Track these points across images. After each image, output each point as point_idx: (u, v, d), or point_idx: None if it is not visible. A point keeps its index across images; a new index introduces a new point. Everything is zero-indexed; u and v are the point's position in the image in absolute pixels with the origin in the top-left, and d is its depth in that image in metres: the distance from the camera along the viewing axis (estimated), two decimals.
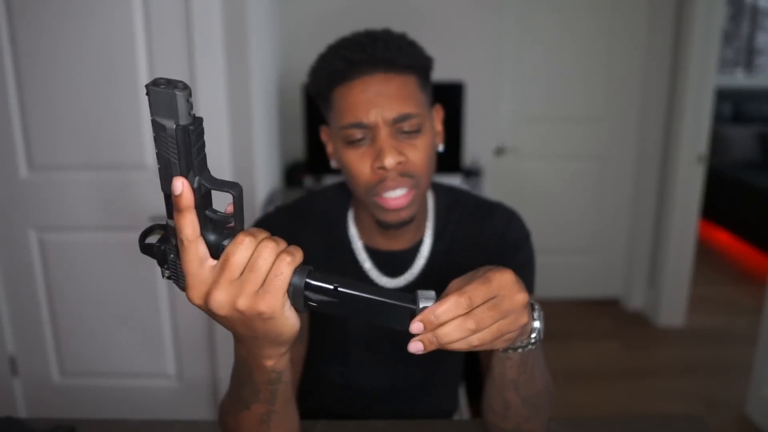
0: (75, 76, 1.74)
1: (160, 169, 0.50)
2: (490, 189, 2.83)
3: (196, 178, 0.50)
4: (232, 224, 0.53)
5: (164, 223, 0.57)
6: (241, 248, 0.51)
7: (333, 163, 0.91)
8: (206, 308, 0.53)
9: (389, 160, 0.81)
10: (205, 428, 0.95)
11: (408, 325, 0.54)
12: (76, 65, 1.74)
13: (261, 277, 0.52)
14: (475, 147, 2.81)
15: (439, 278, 0.96)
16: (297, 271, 0.53)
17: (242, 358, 0.63)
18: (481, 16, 2.73)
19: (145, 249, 0.57)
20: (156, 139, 0.49)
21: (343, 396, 1.04)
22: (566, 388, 2.42)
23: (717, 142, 4.40)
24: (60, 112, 1.77)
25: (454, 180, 2.47)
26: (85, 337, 1.96)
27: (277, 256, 0.52)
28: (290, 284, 0.53)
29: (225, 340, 1.94)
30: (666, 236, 2.94)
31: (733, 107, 4.96)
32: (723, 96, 4.64)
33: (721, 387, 2.47)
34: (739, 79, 5.38)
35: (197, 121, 0.49)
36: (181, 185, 0.49)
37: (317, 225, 0.98)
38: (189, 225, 0.50)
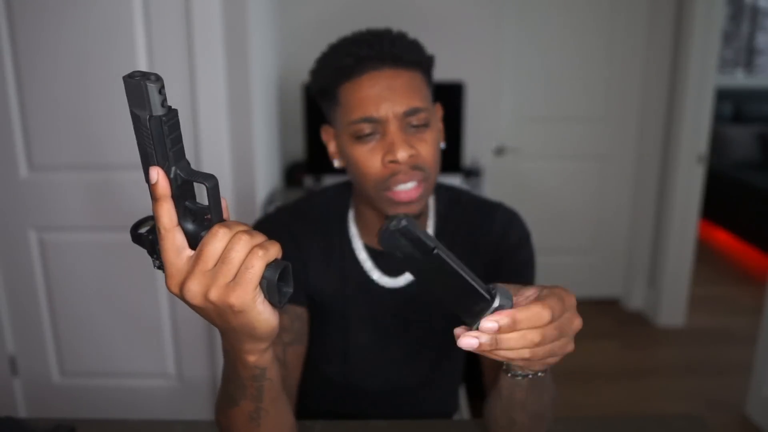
0: (75, 76, 1.74)
1: (141, 161, 0.52)
2: (490, 189, 2.82)
3: (173, 168, 0.51)
4: (208, 216, 0.54)
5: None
6: (215, 239, 0.52)
7: (336, 163, 0.91)
8: (181, 297, 0.54)
9: (402, 153, 0.81)
10: (205, 428, 0.95)
11: (477, 320, 0.51)
12: (76, 65, 1.74)
13: (233, 269, 0.52)
14: (475, 147, 2.81)
15: None
16: (272, 265, 0.53)
17: (226, 352, 0.63)
18: (481, 16, 2.72)
19: (136, 239, 0.58)
20: (135, 131, 0.50)
21: (343, 396, 1.04)
22: (566, 388, 2.42)
23: (717, 142, 4.40)
24: (60, 112, 1.77)
25: (454, 180, 2.47)
26: (85, 337, 1.96)
27: (251, 249, 0.52)
28: (264, 278, 0.53)
29: None
30: (666, 236, 2.94)
31: (733, 107, 4.96)
32: (723, 96, 4.64)
33: (721, 387, 2.47)
34: (739, 79, 5.38)
35: (171, 113, 0.49)
36: (156, 174, 0.50)
37: (317, 225, 0.98)
38: (165, 214, 0.51)
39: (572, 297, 0.56)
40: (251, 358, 0.61)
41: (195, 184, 0.54)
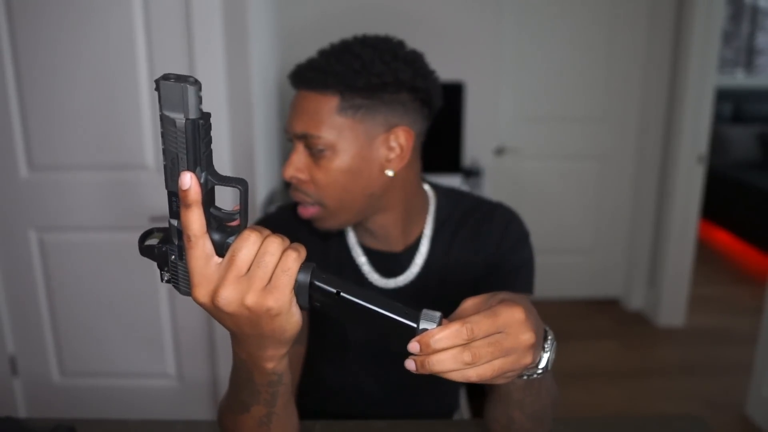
0: (75, 76, 1.74)
1: (165, 166, 0.50)
2: (490, 189, 2.82)
3: (203, 174, 0.51)
4: (236, 221, 0.53)
5: (163, 226, 0.57)
6: (248, 244, 0.51)
7: None
8: (212, 306, 0.53)
9: (287, 171, 0.85)
10: (205, 428, 0.95)
11: (405, 344, 0.53)
12: (76, 65, 1.74)
13: (268, 273, 0.52)
14: (475, 147, 2.80)
15: (437, 279, 0.96)
16: (301, 268, 0.53)
17: (241, 360, 0.63)
18: (481, 16, 2.72)
19: (145, 251, 0.56)
20: (164, 135, 0.49)
21: (342, 396, 1.04)
22: (566, 388, 2.41)
23: (717, 142, 4.40)
24: (60, 112, 1.77)
25: (454, 180, 2.47)
26: (85, 337, 1.96)
27: (283, 252, 0.52)
28: (295, 281, 0.53)
29: (225, 340, 1.94)
30: (666, 236, 2.94)
31: (733, 107, 4.96)
32: (723, 96, 4.63)
33: (721, 387, 2.47)
34: (739, 79, 5.38)
35: (206, 116, 0.49)
36: (189, 180, 0.49)
37: (312, 228, 0.98)
38: (196, 221, 0.51)
39: (515, 312, 0.54)
40: (270, 365, 0.61)
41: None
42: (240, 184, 0.51)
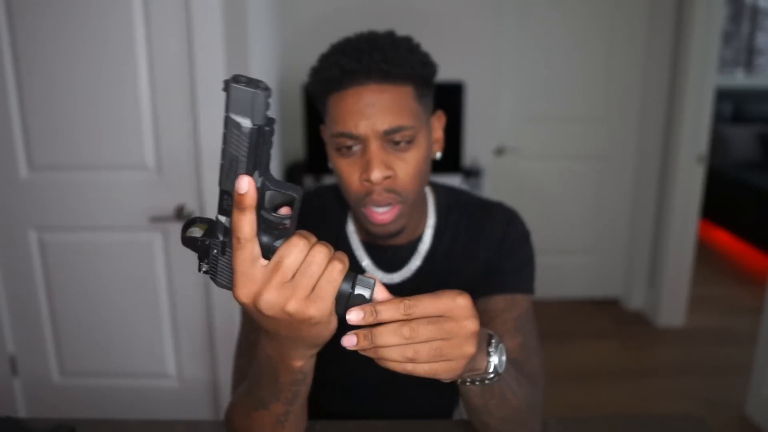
0: (75, 76, 1.74)
1: (222, 165, 0.50)
2: (490, 189, 2.83)
3: (261, 179, 0.51)
4: (286, 225, 0.53)
5: (207, 217, 0.57)
6: (295, 251, 0.52)
7: (330, 163, 0.91)
8: (254, 308, 0.54)
9: (376, 174, 0.80)
10: (205, 428, 0.95)
11: (344, 311, 0.55)
12: (76, 65, 1.74)
13: (313, 282, 0.52)
14: (475, 147, 2.81)
15: (437, 277, 0.96)
16: (345, 277, 0.55)
17: (268, 357, 0.63)
18: (481, 16, 2.73)
19: (188, 242, 0.56)
20: (226, 136, 0.49)
21: (341, 395, 1.03)
22: (566, 388, 2.42)
23: (717, 142, 4.40)
24: (60, 112, 1.77)
25: (454, 180, 2.47)
26: (85, 337, 1.96)
27: (329, 261, 0.53)
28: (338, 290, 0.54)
29: (225, 340, 1.94)
30: (666, 236, 2.94)
31: (733, 107, 4.96)
32: (723, 96, 4.64)
33: (721, 387, 2.47)
34: (739, 79, 5.39)
35: (271, 122, 0.49)
36: (246, 184, 0.49)
37: (316, 220, 0.99)
38: (248, 224, 0.51)
39: (458, 298, 0.55)
40: (298, 363, 0.62)
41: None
42: (295, 191, 0.52)
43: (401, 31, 0.88)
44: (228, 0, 1.75)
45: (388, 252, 0.96)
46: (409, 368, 0.55)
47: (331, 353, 1.00)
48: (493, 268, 0.94)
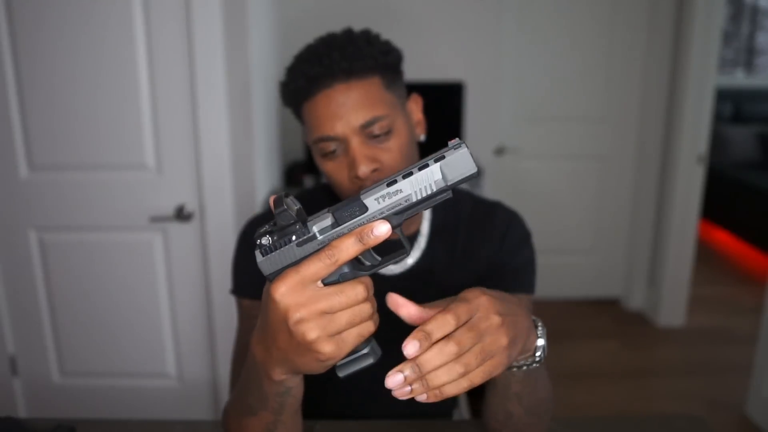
0: (75, 76, 1.74)
1: (389, 195, 0.53)
2: (490, 189, 2.82)
3: (398, 229, 0.55)
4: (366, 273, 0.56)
5: (299, 204, 0.57)
6: (354, 294, 0.53)
7: (318, 168, 0.92)
8: (278, 309, 0.53)
9: (362, 169, 0.81)
10: (205, 428, 0.95)
11: (346, 363, 0.58)
12: (76, 65, 1.74)
13: (348, 326, 0.53)
14: (475, 147, 2.81)
15: (435, 275, 0.95)
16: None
17: (255, 362, 0.62)
18: (481, 16, 2.72)
19: (278, 203, 0.55)
20: (418, 178, 0.52)
21: (341, 395, 1.03)
22: (566, 388, 2.42)
23: (717, 142, 4.40)
24: (60, 112, 1.77)
25: None
26: (85, 337, 1.96)
27: (369, 316, 0.54)
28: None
29: (225, 340, 1.94)
30: (666, 236, 2.94)
31: (733, 107, 4.96)
32: (723, 96, 4.64)
33: (721, 387, 2.47)
34: (739, 79, 5.38)
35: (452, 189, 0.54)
36: (386, 231, 0.52)
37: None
38: (352, 254, 0.53)
39: (481, 296, 0.56)
40: (280, 377, 0.61)
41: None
42: (403, 252, 0.57)
43: (401, 31, 0.89)
44: (228, 1, 1.75)
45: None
46: (466, 384, 0.53)
47: None
48: (495, 269, 0.94)
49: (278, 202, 0.55)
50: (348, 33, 0.86)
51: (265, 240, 0.55)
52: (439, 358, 0.52)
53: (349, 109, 0.81)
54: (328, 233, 0.54)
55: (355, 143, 0.82)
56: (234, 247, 0.98)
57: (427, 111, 0.96)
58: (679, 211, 2.87)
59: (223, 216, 1.86)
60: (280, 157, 2.55)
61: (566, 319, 3.07)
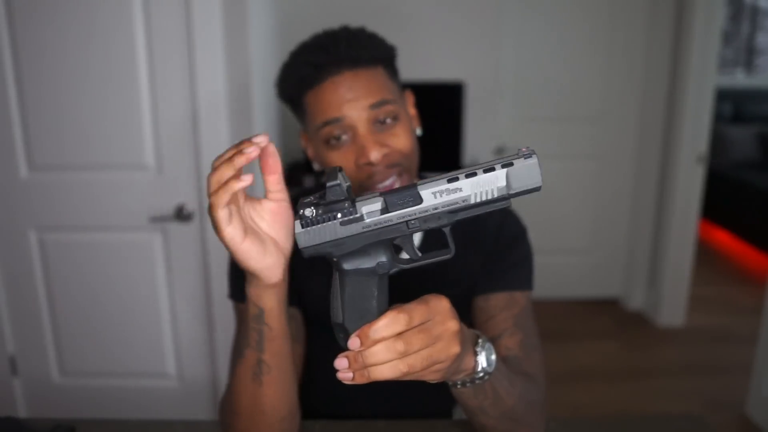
0: (75, 76, 1.74)
1: (453, 199, 0.52)
2: None
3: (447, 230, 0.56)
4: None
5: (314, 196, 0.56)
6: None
7: (316, 166, 0.92)
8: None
9: (374, 154, 0.81)
10: (205, 428, 0.95)
11: (345, 342, 0.55)
12: (76, 65, 1.74)
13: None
14: (475, 147, 2.81)
15: (429, 274, 0.95)
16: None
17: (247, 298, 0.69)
18: (480, 16, 2.72)
19: (331, 177, 0.54)
20: (488, 203, 0.52)
21: (340, 395, 1.03)
22: (566, 388, 2.42)
23: (717, 142, 4.40)
24: (60, 112, 1.77)
25: None
26: (85, 337, 1.96)
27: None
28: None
29: (225, 340, 1.94)
30: (666, 236, 2.94)
31: (733, 107, 4.96)
32: (723, 96, 4.64)
33: (721, 387, 2.47)
34: (739, 79, 5.38)
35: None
36: (264, 139, 0.60)
37: None
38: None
39: (442, 300, 0.56)
40: (254, 292, 0.66)
41: None
42: (446, 252, 0.58)
43: (401, 31, 0.90)
44: (227, 0, 1.75)
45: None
46: (402, 374, 0.54)
47: (330, 355, 1.01)
48: (491, 266, 0.94)
49: (332, 174, 0.53)
50: (346, 29, 0.87)
51: (309, 212, 0.53)
52: (385, 354, 0.52)
53: (357, 93, 0.82)
54: (376, 218, 0.52)
55: (364, 130, 0.82)
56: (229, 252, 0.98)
57: (427, 111, 0.97)
58: (679, 211, 2.87)
59: None
60: (280, 157, 2.55)
61: (566, 319, 3.07)
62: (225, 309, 1.91)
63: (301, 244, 0.54)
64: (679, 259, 2.93)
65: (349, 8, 2.64)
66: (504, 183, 0.51)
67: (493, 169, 0.51)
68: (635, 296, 3.18)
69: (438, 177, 0.52)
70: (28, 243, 1.88)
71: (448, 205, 0.52)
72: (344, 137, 0.83)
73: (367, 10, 2.66)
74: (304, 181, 2.48)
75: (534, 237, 0.99)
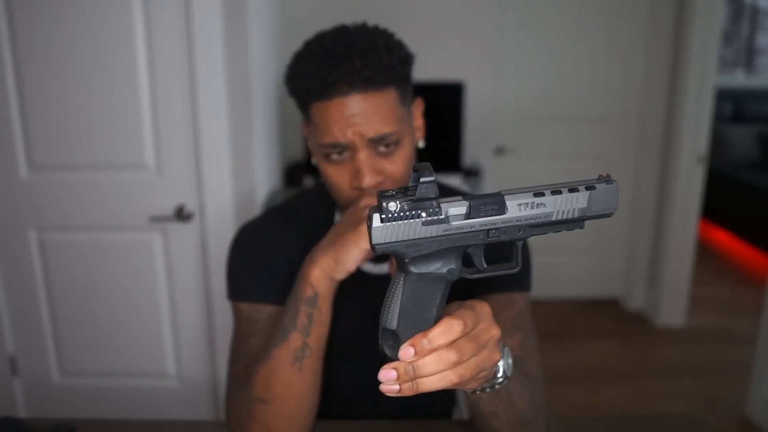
0: (75, 76, 1.74)
1: (536, 213, 0.52)
2: (490, 189, 2.82)
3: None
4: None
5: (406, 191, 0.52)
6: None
7: (314, 160, 0.91)
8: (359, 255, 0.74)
9: (367, 181, 0.80)
10: (205, 428, 0.95)
11: (395, 352, 0.52)
12: (76, 65, 1.74)
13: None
14: (475, 147, 2.81)
15: None
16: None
17: (301, 274, 0.75)
18: (480, 15, 2.73)
19: (425, 169, 0.51)
20: (562, 204, 0.52)
21: (341, 395, 1.03)
22: (566, 388, 2.42)
23: (717, 142, 4.40)
24: (60, 112, 1.77)
25: (454, 180, 2.47)
26: (85, 337, 1.96)
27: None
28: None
29: (225, 340, 1.94)
30: (666, 236, 2.94)
31: (733, 107, 4.96)
32: (723, 96, 4.64)
33: (721, 387, 2.47)
34: (739, 79, 5.39)
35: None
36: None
37: (303, 225, 0.97)
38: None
39: (486, 306, 0.55)
40: (316, 272, 0.74)
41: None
42: (512, 266, 0.57)
43: (401, 31, 0.88)
44: (228, 0, 1.75)
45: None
46: (452, 384, 0.52)
47: (331, 355, 1.01)
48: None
49: (427, 170, 0.50)
50: (365, 33, 0.82)
51: (393, 206, 0.49)
52: (437, 365, 0.50)
53: (362, 119, 0.78)
54: (459, 222, 0.50)
55: (363, 155, 0.80)
56: (228, 253, 0.98)
57: (427, 111, 0.96)
58: (679, 211, 2.87)
59: (222, 216, 1.86)
60: (280, 157, 2.55)
61: (566, 319, 3.07)
62: (225, 309, 1.91)
63: (376, 239, 0.50)
64: (679, 259, 2.93)
65: (349, 9, 2.64)
66: (585, 204, 0.52)
67: (577, 190, 0.52)
68: (635, 296, 3.18)
69: (521, 189, 0.52)
70: (29, 243, 1.88)
71: (530, 219, 0.51)
72: (343, 154, 0.82)
73: (367, 10, 2.65)
74: (304, 181, 2.47)
75: (534, 237, 0.99)
